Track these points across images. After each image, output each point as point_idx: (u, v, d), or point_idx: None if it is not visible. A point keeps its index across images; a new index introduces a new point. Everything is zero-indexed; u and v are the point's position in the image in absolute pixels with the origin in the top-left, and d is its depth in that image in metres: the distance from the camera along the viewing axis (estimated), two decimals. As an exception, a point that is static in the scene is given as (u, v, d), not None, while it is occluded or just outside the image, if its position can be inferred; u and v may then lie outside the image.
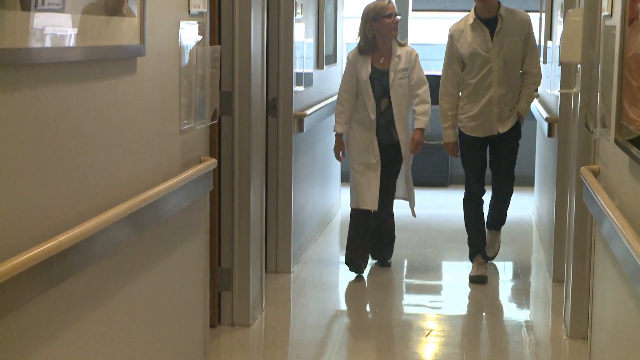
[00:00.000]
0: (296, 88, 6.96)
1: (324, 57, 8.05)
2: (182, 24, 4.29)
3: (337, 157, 7.04)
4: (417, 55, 6.82)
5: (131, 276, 3.77)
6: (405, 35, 11.87)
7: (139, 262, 3.85)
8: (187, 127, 4.39)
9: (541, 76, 6.81)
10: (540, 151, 8.78)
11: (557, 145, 6.69)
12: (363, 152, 6.84)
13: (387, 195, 6.95)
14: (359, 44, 6.78)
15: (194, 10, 4.45)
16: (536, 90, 6.89)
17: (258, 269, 5.91)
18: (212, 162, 4.73)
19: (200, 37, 4.56)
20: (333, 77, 8.73)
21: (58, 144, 3.06)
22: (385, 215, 7.07)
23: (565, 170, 6.37)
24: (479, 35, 6.61)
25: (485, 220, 7.11)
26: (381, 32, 6.74)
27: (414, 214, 7.25)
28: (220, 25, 5.47)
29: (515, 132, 6.79)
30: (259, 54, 5.74)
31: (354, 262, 6.99)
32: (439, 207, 9.89)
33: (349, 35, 11.56)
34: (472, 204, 7.00)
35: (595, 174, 4.58)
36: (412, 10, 11.91)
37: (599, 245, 4.56)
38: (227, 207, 5.64)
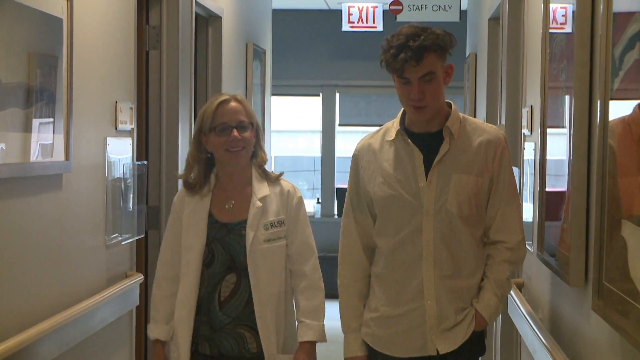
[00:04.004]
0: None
1: (251, 170, 8.07)
2: (109, 140, 4.31)
3: None
4: (300, 198, 3.77)
5: (54, 395, 3.69)
6: (332, 151, 11.95)
7: (62, 380, 3.77)
8: (113, 241, 4.39)
9: (524, 248, 3.53)
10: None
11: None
12: None
13: None
14: (185, 172, 3.75)
15: (121, 127, 4.48)
16: (514, 269, 3.60)
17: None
18: (138, 277, 4.70)
19: (127, 153, 4.58)
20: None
21: (-19, 261, 3.02)
22: None
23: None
24: (404, 163, 3.43)
25: None
26: (218, 158, 3.69)
27: None
28: (147, 140, 5.49)
29: (471, 353, 3.53)
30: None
31: None
32: None
33: (276, 148, 11.70)
34: None
35: (520, 287, 4.64)
36: (339, 125, 12.10)
37: (525, 357, 4.59)
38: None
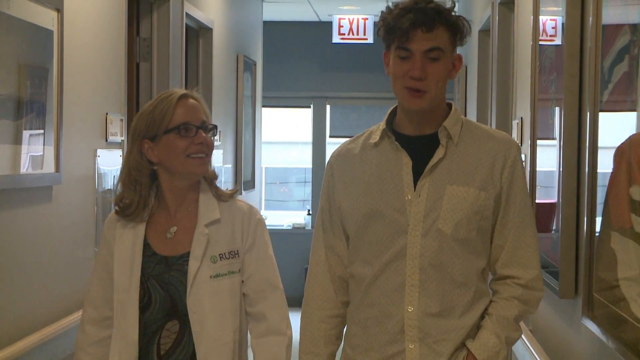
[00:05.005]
0: (214, 213, 6.95)
1: (242, 182, 8.10)
2: (99, 151, 4.31)
3: None
4: (260, 221, 3.03)
5: (43, 407, 3.68)
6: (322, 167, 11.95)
7: (51, 393, 3.76)
8: (103, 254, 4.35)
9: (541, 287, 2.74)
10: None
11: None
12: None
13: None
14: (120, 196, 2.97)
15: (111, 138, 4.47)
16: (526, 310, 2.74)
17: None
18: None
19: (117, 165, 4.58)
20: (251, 202, 8.76)
21: (-30, 273, 3.02)
22: None
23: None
24: (389, 170, 2.75)
25: None
26: (173, 167, 2.93)
27: None
28: (138, 151, 5.48)
29: None
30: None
31: None
32: None
33: (267, 160, 11.71)
34: None
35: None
36: (330, 136, 12.11)
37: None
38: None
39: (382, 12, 2.68)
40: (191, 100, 2.92)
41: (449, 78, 2.66)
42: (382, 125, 2.76)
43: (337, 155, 2.86)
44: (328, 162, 2.87)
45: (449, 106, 2.74)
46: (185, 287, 2.86)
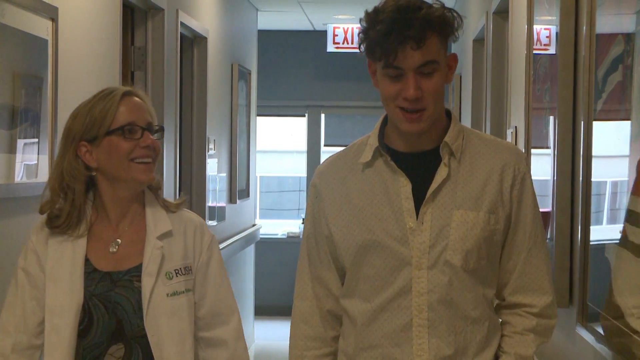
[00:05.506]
0: (209, 222, 6.97)
1: (237, 191, 8.10)
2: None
3: None
4: (213, 238, 2.73)
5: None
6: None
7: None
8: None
9: (555, 314, 2.47)
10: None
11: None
12: None
13: None
14: (48, 202, 2.62)
15: (106, 147, 4.46)
16: (543, 342, 2.47)
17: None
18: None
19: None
20: (246, 211, 8.77)
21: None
22: None
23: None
24: (386, 195, 2.43)
25: None
26: (115, 173, 2.61)
27: None
28: (132, 160, 5.48)
29: None
30: (171, 189, 5.75)
31: None
32: None
33: (262, 169, 11.70)
34: None
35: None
36: (324, 145, 12.12)
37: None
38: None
39: (360, 20, 2.33)
40: (136, 99, 2.60)
41: (446, 83, 2.35)
42: (372, 140, 2.44)
43: (322, 174, 2.50)
44: (312, 182, 2.51)
45: (447, 113, 2.43)
46: (134, 306, 2.54)
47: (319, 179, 2.49)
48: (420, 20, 2.25)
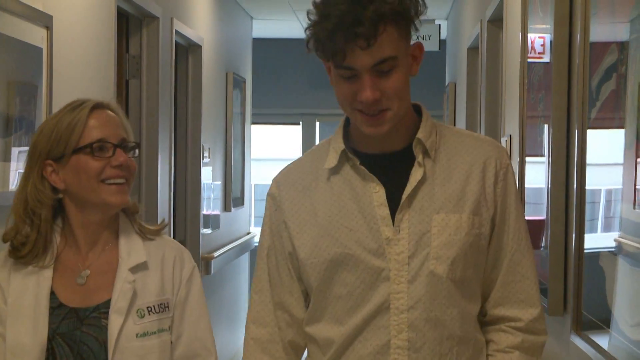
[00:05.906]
0: (204, 230, 6.96)
1: (231, 199, 8.10)
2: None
3: None
4: (195, 269, 2.46)
5: None
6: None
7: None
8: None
9: (544, 329, 2.19)
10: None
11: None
12: None
13: None
14: (11, 229, 2.39)
15: (100, 155, 4.46)
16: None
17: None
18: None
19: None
20: (241, 219, 8.77)
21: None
22: None
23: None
24: (356, 202, 2.12)
25: None
26: (76, 196, 2.34)
27: None
28: (127, 168, 5.47)
29: None
30: (166, 197, 5.75)
31: None
32: None
33: (256, 177, 11.70)
34: None
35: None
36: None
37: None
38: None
39: (308, 13, 2.02)
40: (108, 112, 2.34)
41: (412, 75, 2.07)
42: (336, 143, 2.15)
43: (281, 183, 2.21)
44: (268, 192, 2.21)
45: (416, 108, 2.16)
46: (101, 346, 2.28)
47: (278, 189, 2.20)
48: (371, 14, 1.94)
